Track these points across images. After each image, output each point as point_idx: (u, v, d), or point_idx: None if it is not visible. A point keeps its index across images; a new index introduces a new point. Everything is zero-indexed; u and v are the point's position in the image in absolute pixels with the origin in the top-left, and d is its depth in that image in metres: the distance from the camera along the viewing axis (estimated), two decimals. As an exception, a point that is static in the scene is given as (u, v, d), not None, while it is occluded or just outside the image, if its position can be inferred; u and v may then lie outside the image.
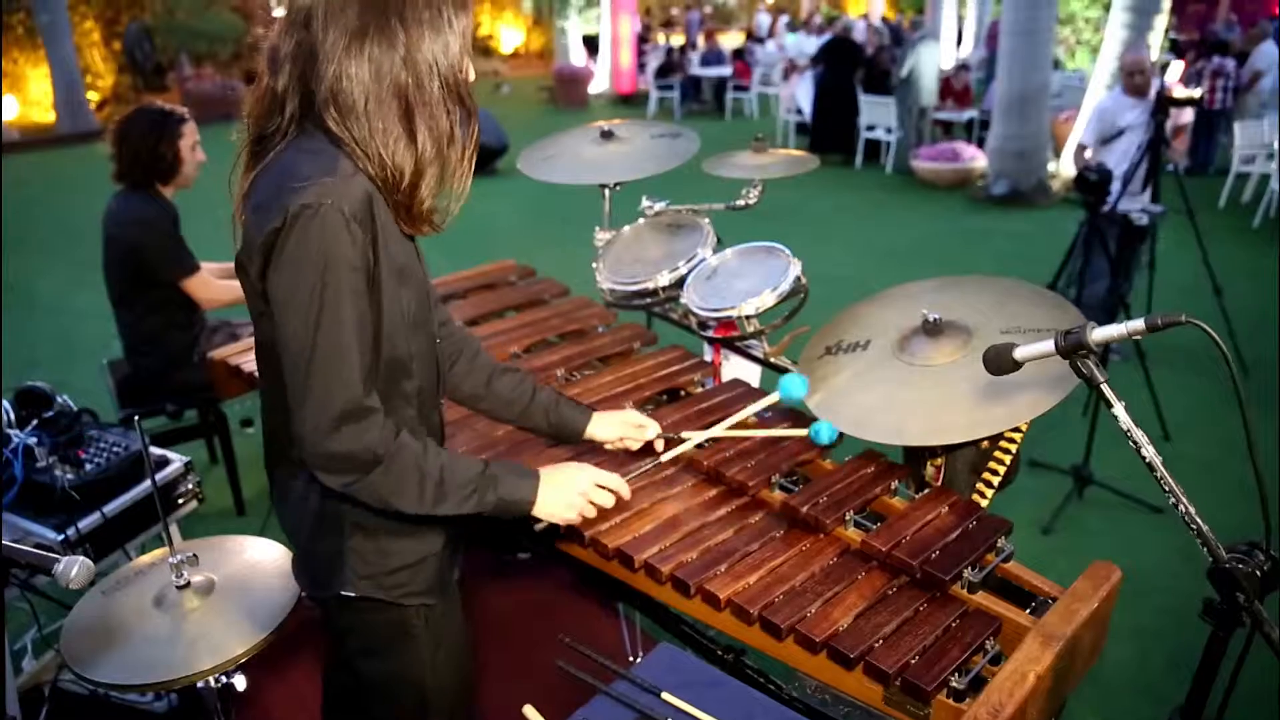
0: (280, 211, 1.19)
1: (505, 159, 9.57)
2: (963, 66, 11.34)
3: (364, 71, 1.20)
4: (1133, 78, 4.69)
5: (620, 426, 1.77)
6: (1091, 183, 3.71)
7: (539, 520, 1.48)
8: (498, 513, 1.40)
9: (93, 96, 13.29)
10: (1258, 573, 1.20)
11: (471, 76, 1.31)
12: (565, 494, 1.45)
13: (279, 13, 1.61)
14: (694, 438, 1.84)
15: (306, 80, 1.24)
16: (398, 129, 1.24)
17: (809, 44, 13.04)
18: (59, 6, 11.95)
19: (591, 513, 1.49)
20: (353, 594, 1.44)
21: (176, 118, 3.05)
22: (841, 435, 1.83)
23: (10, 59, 12.60)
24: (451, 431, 2.01)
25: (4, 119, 11.68)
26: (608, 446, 1.80)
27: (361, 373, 1.25)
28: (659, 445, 1.81)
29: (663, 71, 13.90)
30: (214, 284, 3.16)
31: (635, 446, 1.80)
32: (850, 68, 10.12)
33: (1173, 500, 1.22)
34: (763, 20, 16.92)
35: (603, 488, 1.51)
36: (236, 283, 1.40)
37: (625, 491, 1.54)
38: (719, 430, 1.87)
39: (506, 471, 1.41)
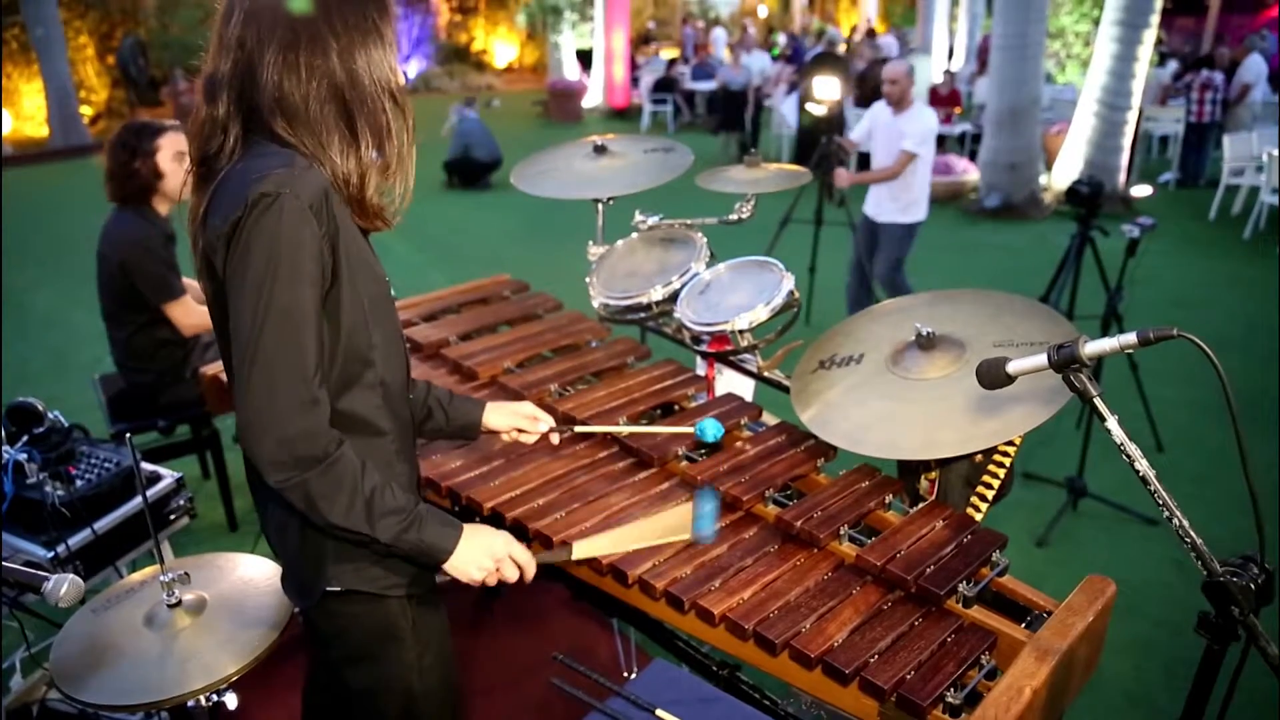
0: (240, 202, 1.22)
1: (499, 173, 9.60)
2: (948, 73, 11.36)
3: (301, 77, 1.26)
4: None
5: (512, 417, 1.78)
6: (1083, 196, 3.74)
7: (444, 574, 1.46)
8: (413, 553, 1.38)
9: (86, 111, 13.28)
10: (1252, 586, 1.20)
11: (402, 80, 1.38)
12: (480, 556, 1.44)
13: None
14: (593, 429, 1.90)
15: (247, 98, 1.29)
16: (340, 128, 1.30)
17: (759, 61, 13.00)
18: (53, 21, 11.96)
19: (493, 581, 1.47)
20: (338, 588, 1.44)
21: (151, 131, 3.00)
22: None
23: (4, 73, 12.58)
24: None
25: (-2, 134, 11.68)
26: (504, 437, 1.81)
27: (315, 360, 1.26)
28: (554, 438, 1.83)
29: (661, 87, 13.92)
30: (195, 310, 3.10)
31: (530, 440, 1.81)
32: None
33: (1166, 513, 1.22)
34: (719, 35, 16.75)
35: (515, 562, 1.49)
36: None
37: (531, 571, 1.51)
38: (620, 428, 1.93)
39: (434, 516, 1.40)
